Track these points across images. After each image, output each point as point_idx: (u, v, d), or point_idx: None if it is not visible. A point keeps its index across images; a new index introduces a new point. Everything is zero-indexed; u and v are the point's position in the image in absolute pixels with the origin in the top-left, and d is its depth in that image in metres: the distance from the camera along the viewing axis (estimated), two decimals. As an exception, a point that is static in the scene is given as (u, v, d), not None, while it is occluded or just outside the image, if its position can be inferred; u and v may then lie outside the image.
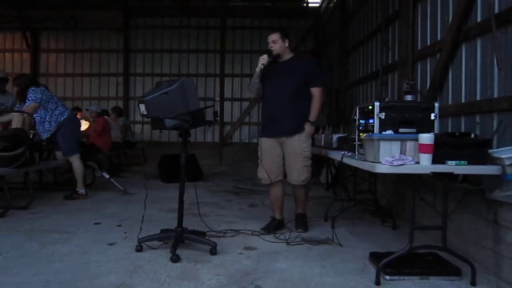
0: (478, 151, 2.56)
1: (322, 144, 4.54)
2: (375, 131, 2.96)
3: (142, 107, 3.04)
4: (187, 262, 2.88)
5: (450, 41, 3.64)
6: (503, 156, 2.54)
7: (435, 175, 2.59)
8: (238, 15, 11.21)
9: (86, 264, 2.83)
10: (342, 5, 8.08)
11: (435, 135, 2.55)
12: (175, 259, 2.86)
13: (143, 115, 3.09)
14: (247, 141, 11.12)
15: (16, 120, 4.95)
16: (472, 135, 2.81)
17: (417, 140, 2.52)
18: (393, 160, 2.49)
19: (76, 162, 5.25)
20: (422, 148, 2.49)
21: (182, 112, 3.00)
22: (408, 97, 3.99)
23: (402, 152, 2.57)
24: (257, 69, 3.70)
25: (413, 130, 2.87)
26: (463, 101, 3.55)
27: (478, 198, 2.83)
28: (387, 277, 2.58)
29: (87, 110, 8.05)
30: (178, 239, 3.03)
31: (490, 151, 2.65)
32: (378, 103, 2.98)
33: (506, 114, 2.94)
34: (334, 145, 4.10)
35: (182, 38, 11.37)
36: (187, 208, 3.25)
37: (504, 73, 2.96)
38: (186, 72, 11.17)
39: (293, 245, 3.35)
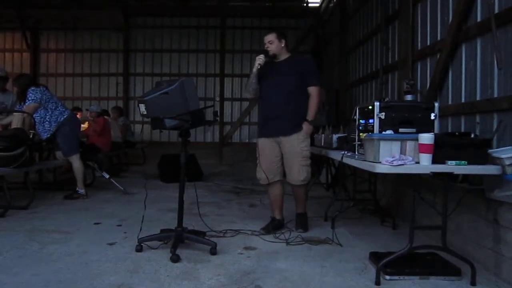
0: (478, 151, 2.56)
1: (322, 144, 4.55)
2: (375, 131, 2.96)
3: (142, 107, 3.04)
4: (187, 262, 2.88)
5: (450, 41, 3.64)
6: (503, 156, 2.54)
7: (435, 175, 2.59)
8: (238, 15, 11.21)
9: (86, 264, 2.83)
10: (342, 5, 8.07)
11: (435, 135, 2.55)
12: (175, 259, 2.86)
13: (143, 115, 3.09)
14: (247, 141, 11.11)
15: (16, 120, 4.96)
16: (472, 135, 2.81)
17: (417, 140, 2.52)
18: (393, 160, 2.49)
19: (76, 162, 5.26)
20: (422, 148, 2.49)
21: (182, 112, 3.00)
22: (408, 97, 4.00)
23: (402, 152, 2.57)
24: (254, 69, 3.71)
25: (413, 130, 2.88)
26: (463, 101, 3.54)
27: (478, 198, 2.84)
28: (387, 277, 2.58)
29: (87, 110, 8.05)
30: (178, 239, 3.03)
31: (490, 151, 2.65)
32: (378, 103, 2.98)
33: (506, 114, 2.93)
34: (334, 145, 4.10)
35: (182, 38, 11.37)
36: (187, 208, 3.25)
37: (504, 73, 2.96)
38: (186, 72, 11.17)
39: (293, 245, 3.35)
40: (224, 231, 3.67)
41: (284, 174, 3.78)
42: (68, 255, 3.02)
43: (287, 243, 3.37)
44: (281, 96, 3.65)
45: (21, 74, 5.87)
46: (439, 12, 4.00)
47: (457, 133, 2.95)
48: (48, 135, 5.08)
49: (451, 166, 2.49)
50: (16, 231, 3.63)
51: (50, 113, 5.05)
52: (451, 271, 2.63)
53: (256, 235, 3.61)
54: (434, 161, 2.49)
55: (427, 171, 2.56)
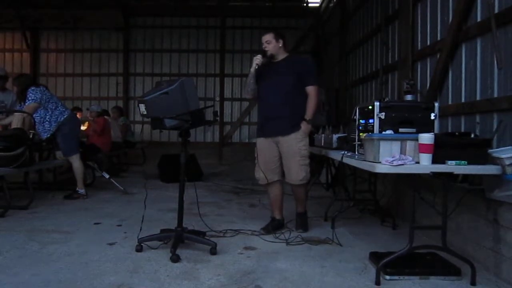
0: (478, 151, 2.56)
1: (322, 144, 4.54)
2: (375, 131, 2.96)
3: (142, 107, 3.04)
4: (187, 262, 2.88)
5: (450, 41, 3.64)
6: (503, 156, 2.54)
7: (435, 175, 2.59)
8: (238, 15, 11.21)
9: (86, 264, 2.83)
10: (342, 5, 8.08)
11: (435, 135, 2.55)
12: (175, 259, 2.86)
13: (143, 115, 3.09)
14: (247, 141, 11.11)
15: (16, 120, 4.96)
16: (472, 135, 2.81)
17: (417, 140, 2.52)
18: (393, 160, 2.49)
19: (76, 162, 5.26)
20: (422, 148, 2.49)
21: (182, 112, 3.00)
22: (408, 97, 4.00)
23: (402, 152, 2.57)
24: (252, 70, 3.71)
25: (413, 130, 2.88)
26: (463, 101, 3.54)
27: (478, 197, 2.84)
28: (387, 277, 2.58)
29: (87, 109, 8.05)
30: (178, 239, 3.03)
31: (490, 151, 2.65)
32: (378, 103, 2.98)
33: (506, 114, 2.93)
34: (334, 145, 4.10)
35: (182, 38, 11.37)
36: (187, 208, 3.25)
37: (504, 73, 2.96)
38: (186, 72, 11.17)
39: (293, 245, 3.35)
40: (224, 231, 3.67)
41: (283, 174, 3.78)
42: (68, 255, 3.02)
43: (287, 243, 3.37)
44: (279, 96, 3.65)
45: (21, 74, 5.87)
46: (439, 12, 4.00)
47: (457, 133, 2.95)
48: (48, 135, 5.08)
49: (451, 166, 2.49)
50: (16, 231, 3.63)
51: (50, 113, 5.05)
52: (451, 271, 2.63)
53: (256, 235, 3.61)
54: (434, 161, 2.49)
55: (427, 171, 2.56)
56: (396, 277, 2.58)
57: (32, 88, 5.00)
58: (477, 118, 3.29)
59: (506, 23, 2.94)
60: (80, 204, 4.96)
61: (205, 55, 11.39)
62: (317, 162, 6.07)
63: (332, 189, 5.92)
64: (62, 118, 5.11)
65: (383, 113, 2.97)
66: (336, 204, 4.33)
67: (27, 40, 11.23)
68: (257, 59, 3.65)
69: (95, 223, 3.98)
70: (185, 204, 3.18)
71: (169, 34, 11.33)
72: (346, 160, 3.17)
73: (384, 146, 2.59)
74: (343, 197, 4.66)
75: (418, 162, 2.52)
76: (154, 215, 4.24)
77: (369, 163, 2.69)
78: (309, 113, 3.65)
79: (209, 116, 3.28)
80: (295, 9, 10.90)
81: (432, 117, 2.99)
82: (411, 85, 4.08)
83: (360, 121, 3.26)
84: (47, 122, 5.04)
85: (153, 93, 3.06)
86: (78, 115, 7.37)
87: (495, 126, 3.03)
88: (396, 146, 2.59)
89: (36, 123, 4.99)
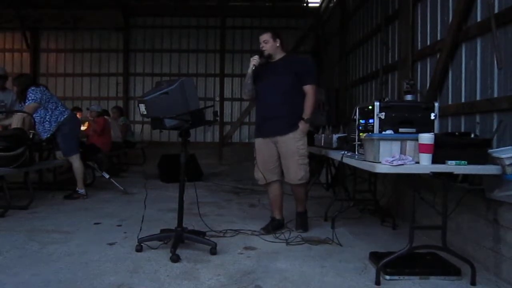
0: (478, 151, 2.56)
1: (322, 144, 4.54)
2: (375, 131, 2.96)
3: (142, 107, 3.04)
4: (187, 262, 2.88)
5: (450, 41, 3.64)
6: (503, 156, 2.54)
7: (435, 175, 2.59)
8: (238, 15, 11.21)
9: (86, 264, 2.83)
10: (342, 5, 8.08)
11: (435, 135, 2.55)
12: (175, 259, 2.86)
13: (143, 115, 3.09)
14: (247, 141, 11.11)
15: (16, 120, 4.96)
16: (472, 135, 2.81)
17: (417, 140, 2.52)
18: (393, 160, 2.49)
19: (76, 162, 5.26)
20: (422, 148, 2.49)
21: (182, 112, 3.00)
22: (408, 97, 4.00)
23: (402, 152, 2.57)
24: (249, 70, 3.71)
25: (413, 130, 2.88)
26: (463, 101, 3.54)
27: (478, 197, 2.84)
28: (387, 277, 2.58)
29: (87, 109, 8.05)
30: (178, 239, 3.03)
31: (490, 151, 2.65)
32: (378, 103, 2.99)
33: (506, 114, 2.93)
34: (334, 145, 4.10)
35: (182, 38, 11.37)
36: (187, 208, 3.25)
37: (504, 73, 2.96)
38: (186, 72, 11.17)
39: (293, 245, 3.35)
40: (224, 231, 3.67)
41: (282, 174, 3.78)
42: (68, 255, 3.02)
43: (287, 243, 3.37)
44: (276, 96, 3.64)
45: (21, 74, 5.88)
46: (439, 12, 4.00)
47: (457, 133, 2.95)
48: (48, 135, 5.08)
49: (451, 166, 2.49)
50: (16, 231, 3.63)
51: (50, 113, 5.05)
52: (451, 271, 2.63)
53: (256, 235, 3.61)
54: (434, 161, 2.49)
55: (427, 171, 2.56)
56: (396, 277, 2.58)
57: (32, 88, 5.00)
58: (477, 118, 3.29)
59: (506, 23, 2.94)
60: (80, 204, 4.96)
61: (205, 55, 11.39)
62: (317, 162, 6.07)
63: (332, 189, 5.92)
64: (62, 118, 5.11)
65: (383, 113, 2.97)
66: (336, 204, 4.33)
67: (27, 40, 11.23)
68: (254, 60, 3.65)
69: (95, 223, 3.98)
70: (185, 204, 3.18)
71: (169, 34, 11.33)
72: (346, 160, 3.17)
73: (384, 146, 2.59)
74: (343, 197, 4.67)
75: (418, 162, 2.52)
76: (154, 215, 4.24)
77: (369, 163, 2.69)
78: (307, 112, 3.65)
79: (209, 116, 3.29)
80: (295, 9, 10.90)
81: (432, 117, 2.99)
82: (411, 85, 4.08)
83: (360, 121, 3.26)
84: (47, 122, 5.04)
85: (153, 93, 3.06)
86: (78, 115, 7.37)
87: (495, 126, 3.03)
88: (396, 146, 2.59)
89: (36, 123, 4.99)
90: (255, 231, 3.70)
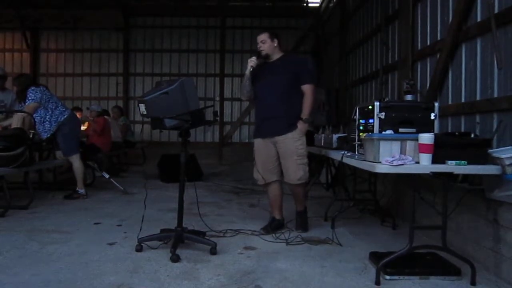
0: (478, 151, 2.56)
1: (322, 144, 4.54)
2: (375, 131, 2.96)
3: (142, 107, 3.04)
4: (187, 262, 2.88)
5: (450, 41, 3.64)
6: (503, 156, 2.54)
7: (435, 175, 2.59)
8: (238, 15, 11.21)
9: (86, 264, 2.83)
10: (342, 5, 8.08)
11: (435, 135, 2.55)
12: (175, 259, 2.86)
13: (143, 115, 3.09)
14: (247, 141, 11.11)
15: (16, 120, 4.96)
16: (472, 135, 2.81)
17: (417, 140, 2.52)
18: (393, 160, 2.49)
19: (76, 162, 5.26)
20: (422, 148, 2.49)
21: (182, 112, 3.00)
22: (408, 97, 4.00)
23: (402, 152, 2.57)
24: (247, 72, 3.70)
25: (413, 130, 2.88)
26: (463, 101, 3.54)
27: (478, 197, 2.84)
28: (387, 277, 2.58)
29: (88, 109, 8.05)
30: (178, 239, 3.03)
31: (490, 151, 2.65)
32: (378, 103, 2.99)
33: (506, 114, 2.93)
34: (334, 145, 4.10)
35: (182, 38, 11.37)
36: (187, 208, 3.25)
37: (504, 73, 2.96)
38: (186, 72, 11.17)
39: (293, 245, 3.35)
40: (224, 231, 3.67)
41: (282, 174, 3.78)
42: (68, 255, 3.02)
43: (287, 243, 3.37)
44: (274, 96, 3.64)
45: (21, 74, 5.87)
46: (439, 12, 4.00)
47: (457, 133, 2.95)
48: (48, 135, 5.09)
49: (451, 166, 2.49)
50: (16, 231, 3.63)
51: (50, 113, 5.05)
52: (451, 271, 2.63)
53: (256, 235, 3.61)
54: (434, 161, 2.49)
55: (427, 171, 2.56)
56: (396, 277, 2.58)
57: (32, 88, 5.01)
58: (477, 118, 3.29)
59: (506, 23, 2.94)
60: (80, 204, 4.96)
61: (205, 55, 11.39)
62: (317, 162, 6.07)
63: (332, 189, 5.92)
64: (62, 118, 5.11)
65: (383, 113, 2.97)
66: (336, 204, 4.33)
67: (27, 40, 11.23)
68: (252, 61, 3.65)
69: (95, 223, 3.98)
70: (185, 204, 3.18)
71: (169, 34, 11.33)
72: (346, 160, 3.17)
73: (384, 146, 2.59)
74: (343, 197, 4.67)
75: (418, 162, 2.52)
76: (154, 215, 4.24)
77: (369, 163, 2.69)
78: (305, 112, 3.64)
79: (209, 116, 3.29)
80: (295, 9, 10.90)
81: (432, 117, 2.99)
82: (411, 85, 4.08)
83: (360, 121, 3.26)
84: (47, 122, 5.04)
85: (153, 93, 3.06)
86: (78, 115, 7.37)
87: (495, 126, 3.03)
88: (396, 146, 2.59)
89: (36, 123, 4.99)
90: (255, 231, 3.70)
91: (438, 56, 3.92)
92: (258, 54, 3.70)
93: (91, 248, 3.17)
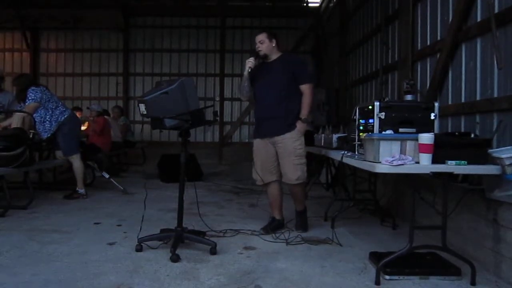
0: (478, 151, 2.56)
1: (322, 144, 4.54)
2: (375, 131, 2.96)
3: (142, 106, 3.04)
4: (187, 262, 2.88)
5: (450, 41, 3.64)
6: (503, 156, 2.54)
7: (435, 175, 2.59)
8: (238, 15, 11.21)
9: (86, 263, 2.83)
10: (342, 5, 8.08)
11: (435, 135, 2.55)
12: (175, 259, 2.86)
13: (143, 115, 3.09)
14: (247, 141, 11.10)
15: (16, 120, 4.96)
16: (472, 135, 2.81)
17: (417, 140, 2.52)
18: (393, 160, 2.49)
19: (76, 162, 5.26)
20: (422, 148, 2.49)
21: (182, 112, 3.00)
22: (408, 97, 4.00)
23: (402, 152, 2.57)
24: (245, 73, 3.71)
25: (413, 130, 2.88)
26: (463, 101, 3.55)
27: (478, 197, 2.84)
28: (387, 277, 2.58)
29: (88, 109, 8.05)
30: (178, 239, 3.03)
31: (490, 151, 2.65)
32: (378, 103, 2.99)
33: (506, 114, 2.94)
34: (334, 145, 4.10)
35: (182, 37, 11.37)
36: (187, 208, 3.25)
37: (504, 73, 2.96)
38: (186, 72, 11.16)
39: (293, 244, 3.35)
40: (224, 231, 3.67)
41: (281, 174, 3.78)
42: (68, 255, 3.02)
43: (287, 243, 3.37)
44: (273, 97, 3.64)
45: (21, 74, 5.87)
46: (439, 12, 4.00)
47: (457, 133, 2.94)
48: (49, 135, 5.09)
49: (451, 166, 2.49)
50: (16, 231, 3.63)
51: (50, 112, 5.05)
52: (451, 271, 2.63)
53: (256, 235, 3.61)
54: (434, 161, 2.49)
55: (427, 171, 2.56)
56: (396, 277, 2.58)
57: (33, 88, 5.01)
58: (477, 118, 3.29)
59: (506, 23, 2.94)
60: (80, 204, 4.96)
61: (205, 55, 11.38)
62: (317, 162, 6.07)
63: (332, 189, 5.92)
64: (63, 118, 5.11)
65: (383, 113, 2.97)
66: (336, 204, 4.33)
67: (27, 40, 11.23)
68: (250, 62, 3.65)
69: (95, 223, 3.98)
70: (185, 204, 3.18)
71: (169, 34, 11.32)
72: (346, 160, 3.17)
73: (384, 146, 2.59)
74: (343, 197, 4.67)
75: (418, 162, 2.52)
76: (154, 215, 4.24)
77: (369, 163, 2.69)
78: (304, 112, 3.64)
79: (209, 116, 3.29)
80: (295, 9, 10.89)
81: (432, 117, 2.99)
82: (411, 85, 4.08)
83: (360, 121, 3.26)
84: (47, 121, 5.04)
85: (153, 93, 3.06)
86: (78, 115, 7.37)
87: (495, 126, 3.03)
88: (396, 146, 2.59)
89: (37, 122, 4.99)
90: (255, 231, 3.70)
91: (438, 56, 3.92)
92: (256, 54, 3.69)
93: (91, 248, 3.17)
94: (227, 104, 11.34)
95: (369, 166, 2.68)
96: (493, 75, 3.11)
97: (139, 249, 3.08)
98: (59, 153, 5.39)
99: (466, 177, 2.90)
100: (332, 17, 9.23)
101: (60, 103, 5.25)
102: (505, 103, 2.91)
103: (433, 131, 2.86)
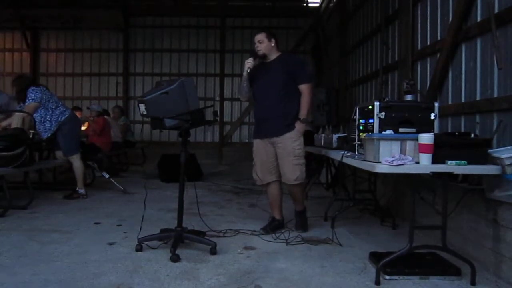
0: (478, 151, 2.56)
1: (322, 144, 4.54)
2: (375, 131, 2.96)
3: (142, 106, 3.04)
4: (187, 261, 2.88)
5: (450, 41, 3.64)
6: (503, 156, 2.54)
7: (435, 175, 2.59)
8: (238, 15, 11.21)
9: (86, 263, 2.83)
10: (342, 5, 8.07)
11: (435, 135, 2.55)
12: (175, 258, 2.86)
13: (143, 115, 3.10)
14: (246, 140, 11.09)
15: (16, 120, 4.96)
16: (472, 135, 2.81)
17: (417, 140, 2.52)
18: (393, 160, 2.49)
19: (76, 162, 5.26)
20: (422, 148, 2.49)
21: (182, 112, 3.00)
22: (408, 97, 3.99)
23: (402, 152, 2.57)
24: (244, 74, 3.70)
25: (413, 130, 2.88)
26: (463, 101, 3.54)
27: (478, 197, 2.84)
28: (387, 277, 2.58)
29: (88, 108, 8.05)
30: (178, 239, 3.03)
31: (490, 151, 2.65)
32: (378, 103, 2.99)
33: (506, 114, 2.94)
34: (334, 145, 4.10)
35: (182, 37, 11.36)
36: (187, 208, 3.25)
37: (504, 73, 2.96)
38: (186, 72, 11.16)
39: (293, 245, 3.35)
40: (224, 231, 3.67)
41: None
42: (68, 254, 3.02)
43: (287, 243, 3.37)
44: (272, 97, 3.64)
45: (20, 75, 5.88)
46: (439, 12, 4.00)
47: (457, 133, 2.95)
48: (49, 135, 5.09)
49: (451, 166, 2.49)
50: (16, 231, 3.63)
51: (50, 112, 5.06)
52: (451, 271, 2.63)
53: (256, 235, 3.61)
54: (434, 161, 2.49)
55: (427, 171, 2.56)
56: (396, 277, 2.58)
57: (32, 88, 5.02)
58: (477, 118, 3.29)
59: (506, 23, 2.94)
60: (80, 204, 4.96)
61: (205, 55, 11.37)
62: (317, 162, 6.07)
63: (332, 189, 5.92)
64: (63, 118, 5.12)
65: (383, 113, 2.97)
66: (336, 204, 4.33)
67: (27, 40, 11.22)
68: (249, 63, 3.65)
69: (95, 223, 3.98)
70: (185, 204, 3.18)
71: (169, 34, 11.31)
72: (346, 160, 3.17)
73: (384, 146, 2.59)
74: (343, 197, 4.66)
75: (418, 162, 2.52)
76: (154, 215, 4.24)
77: (369, 163, 2.69)
78: (303, 112, 3.63)
79: (209, 116, 3.29)
80: (295, 9, 10.89)
81: (432, 117, 2.99)
82: (411, 85, 4.07)
83: (360, 121, 3.26)
84: (47, 121, 5.04)
85: (153, 93, 3.06)
86: (77, 115, 7.37)
87: (495, 126, 3.03)
88: (396, 146, 2.59)
89: (37, 122, 4.99)
90: (255, 231, 3.70)
91: (438, 56, 3.92)
92: (255, 54, 3.69)
93: (91, 248, 3.17)
94: (227, 104, 11.34)
95: (369, 166, 2.68)
96: (493, 75, 3.11)
97: (139, 249, 3.08)
98: (59, 153, 5.39)
99: (466, 177, 2.90)
100: (332, 17, 9.23)
101: (60, 103, 5.25)
102: (505, 103, 2.91)
103: (433, 131, 2.86)
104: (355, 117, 3.34)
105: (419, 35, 4.46)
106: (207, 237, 3.26)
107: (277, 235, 3.57)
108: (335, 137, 4.13)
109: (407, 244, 2.60)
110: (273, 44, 3.71)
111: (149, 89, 3.40)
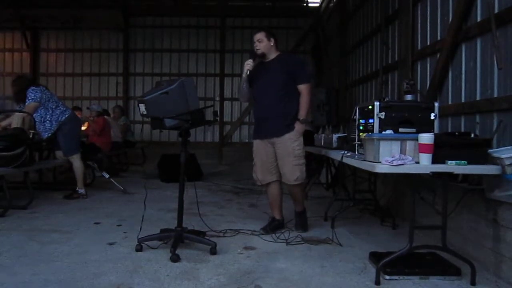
0: (478, 151, 2.56)
1: (322, 144, 4.54)
2: (375, 131, 2.96)
3: (142, 106, 3.04)
4: (187, 261, 2.88)
5: (450, 41, 3.64)
6: (503, 156, 2.54)
7: (435, 175, 2.59)
8: (238, 15, 11.21)
9: (86, 263, 2.83)
10: (342, 5, 8.07)
11: (435, 135, 2.55)
12: (175, 258, 2.86)
13: (143, 115, 3.10)
14: (246, 140, 11.09)
15: (16, 120, 4.97)
16: (472, 135, 2.81)
17: (417, 140, 2.52)
18: (393, 160, 2.49)
19: (76, 161, 5.26)
20: (422, 148, 2.49)
21: (182, 112, 3.00)
22: (408, 97, 4.00)
23: (402, 151, 2.57)
24: (243, 75, 3.70)
25: (413, 130, 2.88)
26: (463, 101, 3.54)
27: (478, 197, 2.84)
28: (387, 277, 2.58)
29: (88, 108, 8.05)
30: (178, 239, 3.04)
31: (490, 151, 2.65)
32: (378, 103, 2.99)
33: (506, 113, 2.94)
34: (334, 145, 4.10)
35: (182, 37, 11.36)
36: (187, 208, 3.25)
37: (504, 73, 2.96)
38: (186, 72, 11.16)
39: (293, 244, 3.35)
40: (224, 231, 3.67)
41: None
42: (68, 254, 3.02)
43: (287, 243, 3.37)
44: (271, 97, 3.63)
45: (20, 75, 5.88)
46: (439, 12, 4.00)
47: (457, 133, 2.95)
48: (49, 135, 5.09)
49: (451, 166, 2.49)
50: (16, 231, 3.63)
51: (50, 112, 5.06)
52: (451, 271, 2.63)
53: (256, 235, 3.61)
54: (434, 161, 2.49)
55: (427, 171, 2.56)
56: (396, 277, 2.58)
57: (32, 87, 5.02)
58: (477, 118, 3.29)
59: (506, 23, 2.94)
60: (80, 204, 4.96)
61: (205, 55, 11.37)
62: (317, 162, 6.07)
63: (332, 189, 5.92)
64: (63, 118, 5.12)
65: (383, 113, 2.97)
66: (336, 204, 4.33)
67: (27, 40, 11.22)
68: (248, 65, 3.64)
69: (95, 223, 3.98)
70: (185, 204, 3.18)
71: (169, 34, 11.31)
72: (346, 160, 3.17)
73: (384, 146, 2.59)
74: (343, 197, 4.66)
75: (418, 162, 2.52)
76: (154, 215, 4.24)
77: (369, 163, 2.69)
78: (302, 112, 3.63)
79: (209, 116, 3.29)
80: (295, 9, 10.89)
81: (432, 117, 2.99)
82: (411, 85, 4.07)
83: (360, 121, 3.26)
84: (48, 121, 5.04)
85: (153, 93, 3.06)
86: (77, 115, 7.37)
87: (495, 126, 3.03)
88: (396, 146, 2.59)
89: (37, 122, 4.99)
90: (255, 231, 3.70)
91: (438, 56, 3.92)
92: (254, 54, 3.69)
93: (91, 248, 3.17)
94: (227, 104, 11.34)
95: (369, 166, 2.68)
96: (493, 75, 3.11)
97: (139, 249, 3.08)
98: (59, 153, 5.39)
99: (466, 177, 2.90)
100: (332, 17, 9.23)
101: (61, 103, 5.26)
102: (505, 103, 2.91)
103: (433, 131, 2.86)
104: (355, 117, 3.34)
105: (419, 35, 4.46)
106: (207, 237, 3.26)
107: (277, 235, 3.58)
108: (335, 137, 4.13)
109: (407, 244, 2.60)
110: (272, 44, 3.70)
111: (149, 89, 3.40)
